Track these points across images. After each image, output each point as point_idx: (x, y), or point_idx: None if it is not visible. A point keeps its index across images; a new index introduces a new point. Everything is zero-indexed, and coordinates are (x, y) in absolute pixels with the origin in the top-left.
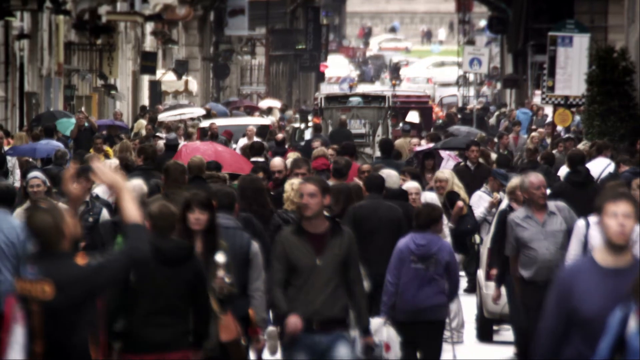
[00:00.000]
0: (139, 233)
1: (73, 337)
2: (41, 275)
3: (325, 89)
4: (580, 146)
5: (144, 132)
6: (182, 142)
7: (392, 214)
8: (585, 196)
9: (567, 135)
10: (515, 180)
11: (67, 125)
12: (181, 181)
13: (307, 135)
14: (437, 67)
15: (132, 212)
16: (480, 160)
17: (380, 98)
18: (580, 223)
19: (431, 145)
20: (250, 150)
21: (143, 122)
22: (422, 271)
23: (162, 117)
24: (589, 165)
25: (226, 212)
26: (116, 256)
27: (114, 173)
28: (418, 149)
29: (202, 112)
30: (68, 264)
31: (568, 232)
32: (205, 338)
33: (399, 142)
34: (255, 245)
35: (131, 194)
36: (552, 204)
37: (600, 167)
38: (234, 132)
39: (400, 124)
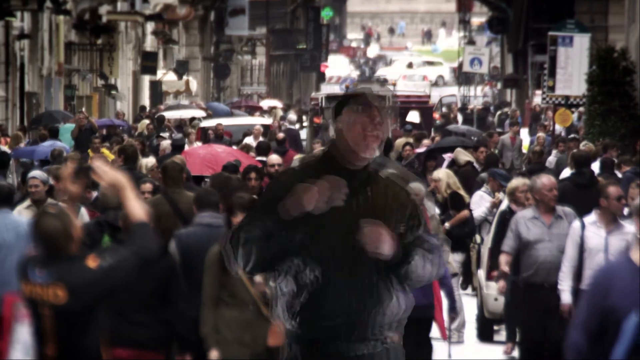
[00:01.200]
0: (146, 231)
1: (85, 340)
2: (52, 279)
3: (326, 89)
4: (582, 147)
5: (146, 132)
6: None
7: None
8: (588, 198)
9: (572, 136)
10: (515, 182)
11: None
12: (179, 179)
13: (303, 135)
14: (417, 67)
15: (137, 210)
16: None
17: (380, 98)
18: (575, 224)
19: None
20: (256, 150)
21: (146, 121)
22: None
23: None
24: (595, 164)
25: (212, 211)
26: (126, 256)
27: (115, 172)
28: (418, 150)
29: (202, 113)
30: (80, 267)
31: None
32: (188, 340)
33: (399, 141)
34: None
35: (134, 192)
36: (559, 209)
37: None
38: (234, 132)
39: (395, 126)
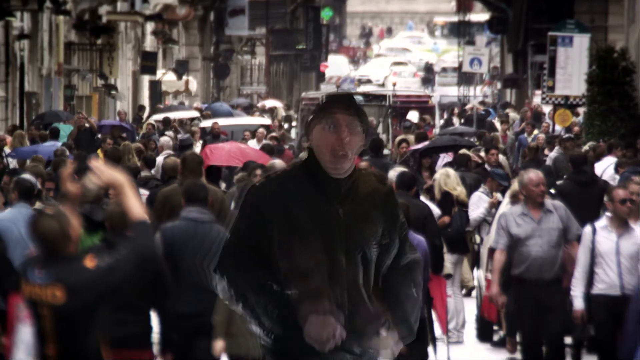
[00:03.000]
0: (145, 230)
1: (86, 340)
2: (51, 279)
3: (326, 88)
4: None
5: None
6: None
7: (419, 212)
8: (590, 196)
9: (567, 135)
10: (517, 185)
11: (62, 133)
12: (198, 172)
13: (292, 134)
14: (394, 66)
15: (136, 209)
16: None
17: (381, 97)
18: (587, 229)
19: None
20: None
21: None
22: None
23: (153, 118)
24: (599, 164)
25: (200, 206)
26: (125, 256)
27: (113, 171)
28: (413, 147)
29: (195, 114)
30: (78, 267)
31: (563, 231)
32: (172, 339)
33: (399, 138)
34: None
35: (134, 190)
36: (549, 202)
37: (603, 166)
38: (233, 131)
39: (395, 126)
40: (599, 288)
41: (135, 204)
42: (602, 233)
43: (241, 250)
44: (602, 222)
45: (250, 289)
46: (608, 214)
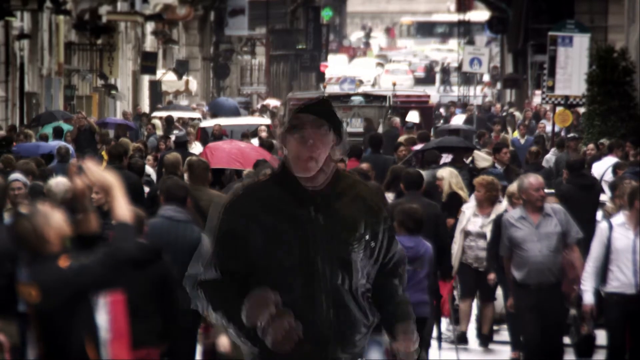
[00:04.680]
0: (125, 233)
1: (68, 340)
2: (28, 279)
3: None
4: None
5: (146, 132)
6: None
7: (430, 210)
8: (589, 199)
9: (571, 135)
10: (514, 185)
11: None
12: (205, 177)
13: None
14: (378, 67)
15: (122, 210)
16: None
17: (381, 97)
18: (603, 225)
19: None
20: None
21: (157, 122)
22: (410, 272)
23: (155, 115)
24: (599, 164)
25: (178, 205)
26: (100, 257)
27: (103, 171)
28: (415, 148)
29: (197, 115)
30: (50, 267)
31: (562, 235)
32: (175, 339)
33: (401, 139)
34: (206, 239)
35: (123, 192)
36: (548, 206)
37: (604, 166)
38: (233, 131)
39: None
40: (612, 286)
41: (122, 205)
42: (619, 230)
43: (213, 278)
44: (619, 219)
45: (222, 314)
46: (626, 211)
